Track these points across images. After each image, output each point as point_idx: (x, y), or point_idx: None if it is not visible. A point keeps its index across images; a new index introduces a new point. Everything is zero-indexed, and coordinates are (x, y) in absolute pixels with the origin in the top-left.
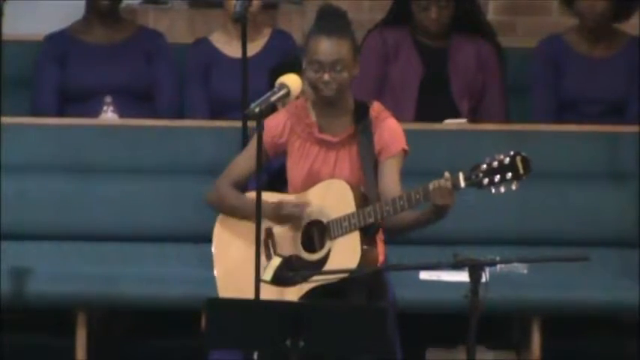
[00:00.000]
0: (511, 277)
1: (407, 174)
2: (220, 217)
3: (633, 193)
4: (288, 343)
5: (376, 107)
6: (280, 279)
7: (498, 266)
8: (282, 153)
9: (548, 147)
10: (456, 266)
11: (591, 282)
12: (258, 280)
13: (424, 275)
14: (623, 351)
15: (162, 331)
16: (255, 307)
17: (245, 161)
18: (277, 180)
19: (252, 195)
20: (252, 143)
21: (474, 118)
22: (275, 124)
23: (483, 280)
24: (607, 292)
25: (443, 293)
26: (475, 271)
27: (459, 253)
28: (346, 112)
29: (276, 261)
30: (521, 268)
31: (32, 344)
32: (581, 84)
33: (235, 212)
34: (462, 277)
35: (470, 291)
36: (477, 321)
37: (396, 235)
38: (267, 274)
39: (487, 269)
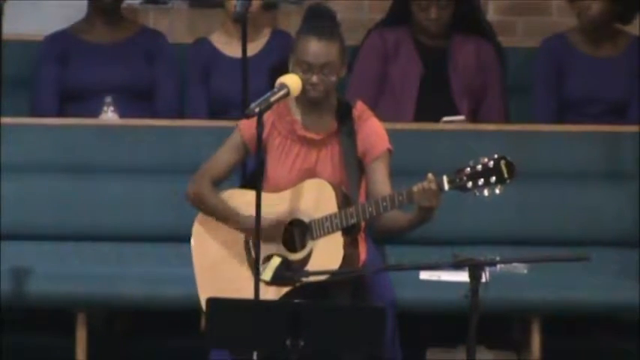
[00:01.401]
0: (511, 277)
1: (406, 174)
2: (200, 214)
3: (633, 193)
4: (288, 343)
5: (359, 107)
6: (280, 279)
7: (498, 266)
8: (262, 149)
9: (548, 147)
10: (456, 266)
11: (591, 282)
12: (257, 280)
13: (424, 275)
14: (623, 351)
15: (162, 331)
16: (255, 307)
17: (224, 157)
18: (255, 177)
19: (229, 196)
20: (232, 139)
21: (474, 119)
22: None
23: (483, 280)
24: (607, 292)
25: (443, 293)
26: (475, 271)
27: (459, 253)
28: (329, 111)
29: (275, 261)
30: (521, 268)
31: (32, 344)
32: (583, 84)
33: (213, 214)
34: (462, 277)
35: (470, 291)
36: (477, 321)
37: (386, 236)
38: (267, 274)
39: (487, 269)
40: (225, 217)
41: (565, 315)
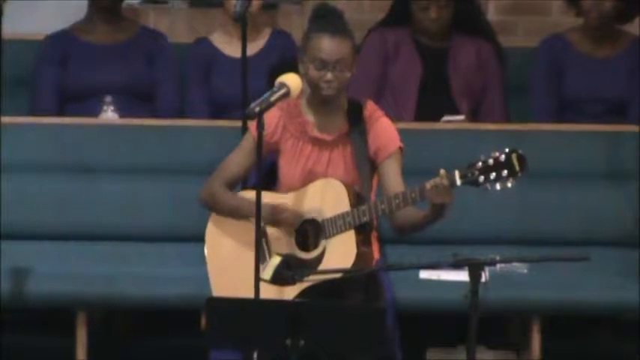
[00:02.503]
0: (511, 277)
1: (407, 173)
2: (213, 216)
3: (633, 193)
4: (288, 343)
5: (369, 106)
6: (280, 278)
7: (498, 266)
8: (274, 151)
9: (548, 147)
10: (456, 266)
11: (591, 282)
12: (257, 279)
13: (424, 275)
14: (623, 351)
15: (162, 331)
16: (255, 306)
17: (237, 160)
18: (268, 178)
19: (246, 195)
20: (245, 142)
21: (474, 119)
22: (268, 123)
23: (483, 280)
24: (607, 292)
25: (443, 293)
26: (475, 271)
27: (459, 253)
28: (340, 111)
29: (275, 260)
30: (521, 268)
31: (32, 344)
32: (582, 83)
33: (231, 212)
34: (462, 277)
35: (470, 291)
36: (477, 321)
37: (406, 234)
38: (267, 273)
39: (487, 269)
40: (242, 210)
41: (565, 315)
